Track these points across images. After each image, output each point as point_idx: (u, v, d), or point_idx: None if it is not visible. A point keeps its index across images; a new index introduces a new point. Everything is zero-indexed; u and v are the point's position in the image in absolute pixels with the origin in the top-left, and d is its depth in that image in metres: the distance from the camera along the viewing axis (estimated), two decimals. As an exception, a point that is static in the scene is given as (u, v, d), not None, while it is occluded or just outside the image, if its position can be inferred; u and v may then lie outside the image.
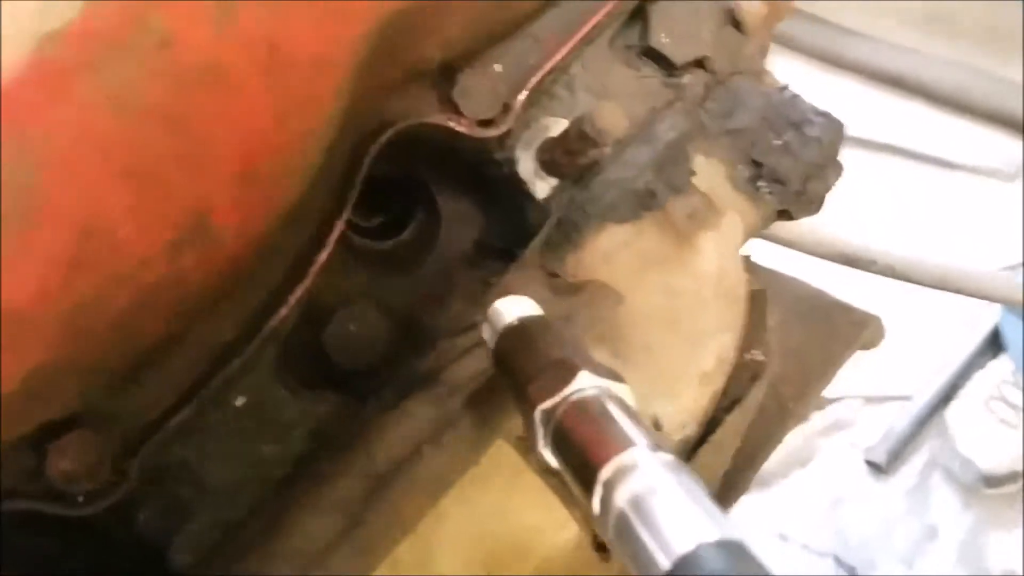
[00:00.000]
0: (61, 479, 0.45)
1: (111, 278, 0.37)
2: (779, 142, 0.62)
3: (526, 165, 0.58)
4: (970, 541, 1.74)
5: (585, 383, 0.38)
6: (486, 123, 0.54)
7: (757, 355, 0.65)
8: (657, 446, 0.32)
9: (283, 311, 0.50)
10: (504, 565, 0.53)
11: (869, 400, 1.93)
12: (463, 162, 0.59)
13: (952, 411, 1.75)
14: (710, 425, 0.62)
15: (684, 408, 0.61)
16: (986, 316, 1.86)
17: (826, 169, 0.63)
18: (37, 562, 0.51)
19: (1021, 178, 2.06)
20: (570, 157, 0.55)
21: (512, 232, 0.60)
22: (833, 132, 0.63)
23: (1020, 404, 1.72)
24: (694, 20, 0.63)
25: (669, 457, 0.32)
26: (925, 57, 2.13)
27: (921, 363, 1.88)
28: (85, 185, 0.34)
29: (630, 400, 0.38)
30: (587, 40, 0.58)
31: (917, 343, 1.85)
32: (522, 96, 0.55)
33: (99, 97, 0.34)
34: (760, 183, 0.62)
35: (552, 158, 0.57)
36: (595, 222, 0.58)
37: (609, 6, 0.57)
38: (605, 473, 0.32)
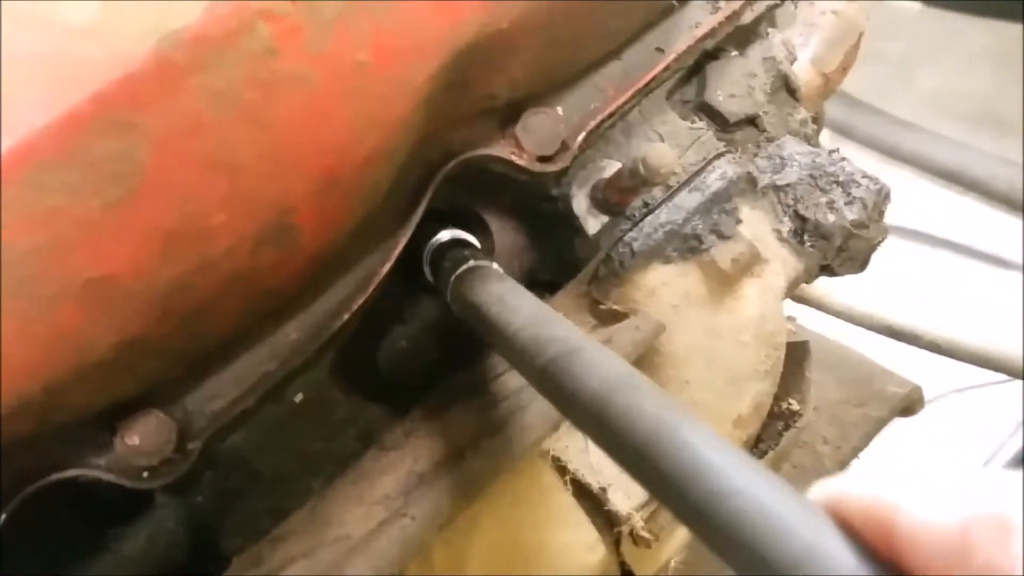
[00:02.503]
0: (128, 454, 0.49)
1: (200, 263, 0.41)
2: (824, 199, 0.65)
3: (580, 202, 0.61)
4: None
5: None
6: (545, 160, 0.58)
7: (793, 404, 0.67)
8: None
9: (345, 316, 0.53)
10: (533, 578, 0.55)
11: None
12: (518, 197, 0.63)
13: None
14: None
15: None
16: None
17: (869, 228, 0.65)
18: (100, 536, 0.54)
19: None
20: (622, 195, 0.59)
21: (560, 265, 0.64)
22: (878, 194, 0.66)
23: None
24: (749, 81, 0.67)
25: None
26: (980, 153, 2.14)
27: (972, 454, 1.85)
28: (186, 170, 0.38)
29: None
30: (645, 91, 0.62)
31: (966, 436, 1.82)
32: (580, 137, 0.59)
33: (206, 94, 0.38)
34: (804, 237, 0.65)
35: (605, 197, 0.60)
36: (641, 260, 0.61)
37: (668, 60, 0.61)
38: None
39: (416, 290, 0.65)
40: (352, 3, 0.42)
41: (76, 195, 0.35)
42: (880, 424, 0.77)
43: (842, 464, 0.76)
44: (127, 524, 0.58)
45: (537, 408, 0.51)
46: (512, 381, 0.54)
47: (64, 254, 0.36)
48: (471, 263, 0.52)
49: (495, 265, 0.52)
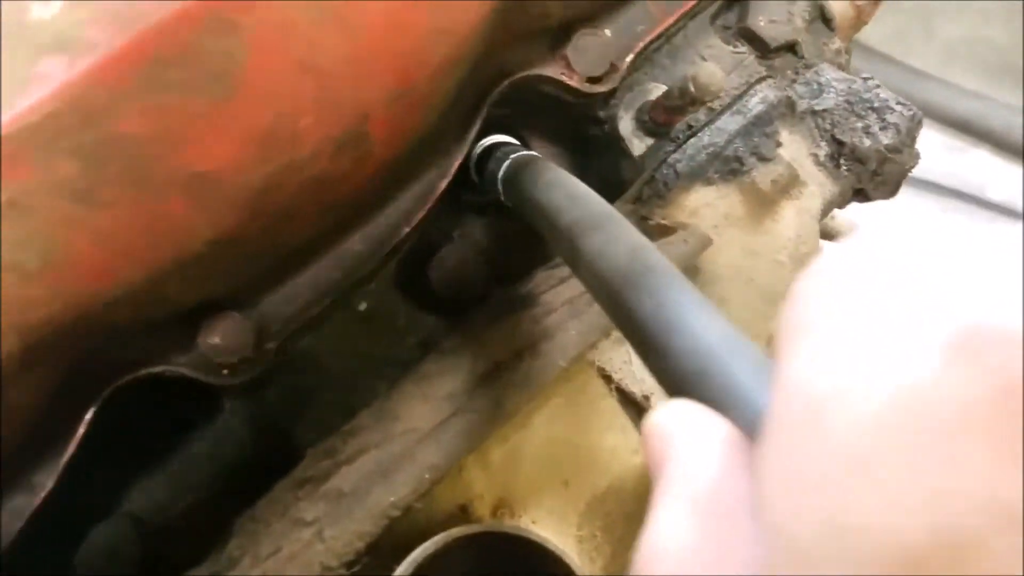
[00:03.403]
0: (210, 352, 0.52)
1: (288, 164, 0.43)
2: (860, 124, 0.67)
3: (626, 124, 0.64)
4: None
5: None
6: (594, 80, 0.60)
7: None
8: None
9: (406, 229, 0.56)
10: (581, 475, 0.58)
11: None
12: (563, 121, 0.65)
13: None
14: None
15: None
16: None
17: (902, 153, 0.67)
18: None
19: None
20: (668, 115, 0.61)
21: (605, 189, 0.66)
22: (911, 120, 0.68)
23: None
24: (789, 8, 0.69)
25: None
26: (995, 103, 2.14)
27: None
28: (280, 72, 0.41)
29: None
30: (691, 14, 0.64)
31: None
32: (629, 58, 0.61)
33: (299, -1, 0.40)
34: (840, 160, 0.67)
35: (651, 118, 0.62)
36: (684, 181, 0.63)
37: (713, -15, 0.63)
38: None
39: (462, 211, 0.67)
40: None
41: (187, 90, 0.37)
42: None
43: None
44: (197, 431, 0.62)
45: (591, 315, 0.54)
46: (566, 292, 0.57)
47: (175, 146, 0.38)
48: (519, 154, 0.55)
49: (535, 153, 0.55)
